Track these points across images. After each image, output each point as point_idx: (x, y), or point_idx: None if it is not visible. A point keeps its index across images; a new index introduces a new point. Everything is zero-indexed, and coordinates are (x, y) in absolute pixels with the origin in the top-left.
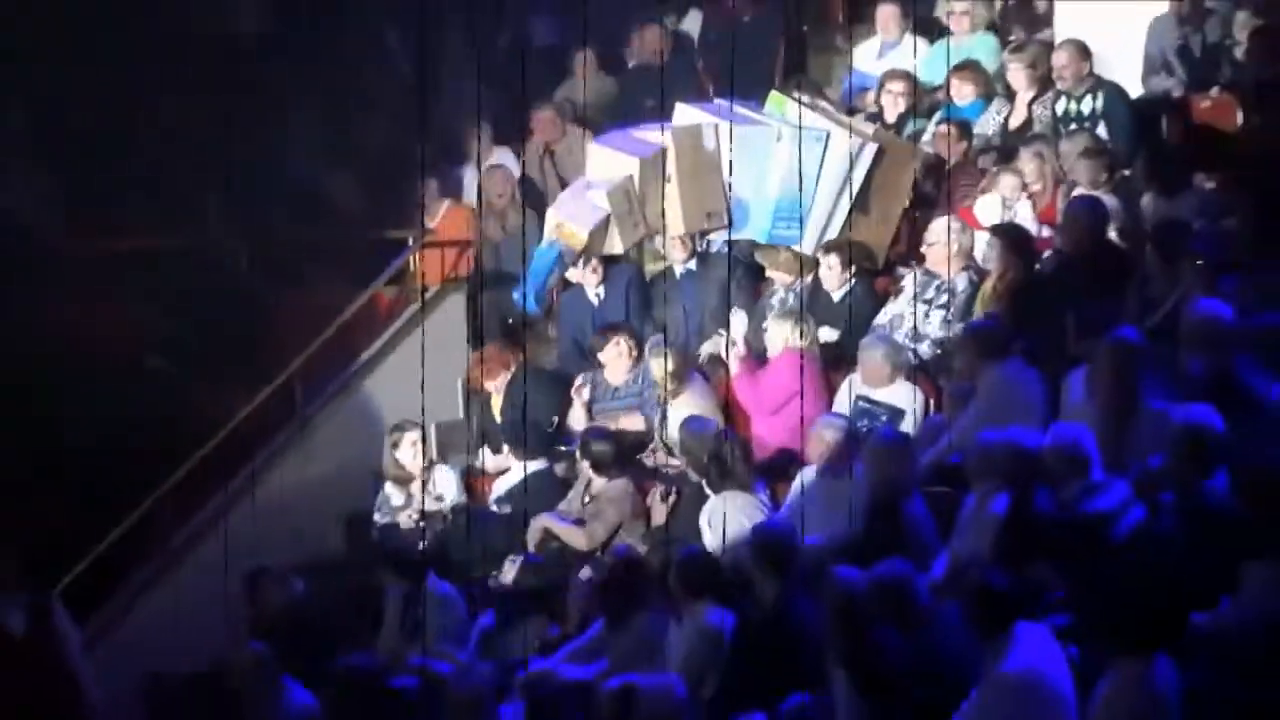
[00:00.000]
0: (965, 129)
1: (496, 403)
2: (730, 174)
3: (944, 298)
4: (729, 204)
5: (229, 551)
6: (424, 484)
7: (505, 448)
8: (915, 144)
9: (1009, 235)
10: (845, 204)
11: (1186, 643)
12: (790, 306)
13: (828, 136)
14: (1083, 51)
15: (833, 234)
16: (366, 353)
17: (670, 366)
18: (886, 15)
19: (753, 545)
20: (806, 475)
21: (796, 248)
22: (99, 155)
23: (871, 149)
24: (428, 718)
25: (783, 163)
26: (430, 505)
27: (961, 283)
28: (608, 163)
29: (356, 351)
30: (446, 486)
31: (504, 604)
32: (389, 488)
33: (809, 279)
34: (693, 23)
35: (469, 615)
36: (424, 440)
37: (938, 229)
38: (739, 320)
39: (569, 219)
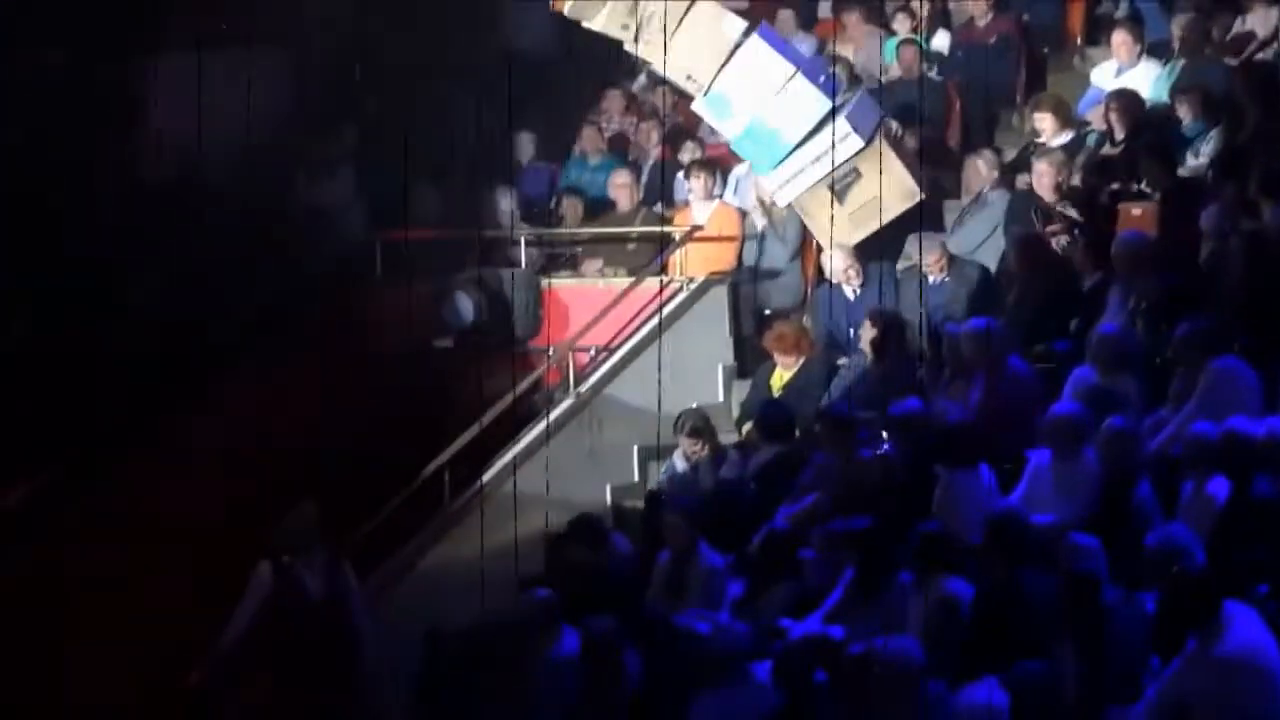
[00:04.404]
0: None
1: (781, 379)
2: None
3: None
4: (712, 82)
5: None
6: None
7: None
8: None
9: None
10: (817, 172)
11: None
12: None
13: (832, 112)
14: None
15: (795, 191)
16: (638, 336)
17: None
18: (1119, 41)
19: (986, 524)
20: (1040, 459)
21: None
22: (394, 159)
23: (855, 141)
24: (689, 673)
25: (780, 97)
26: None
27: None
28: None
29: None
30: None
31: (754, 572)
32: (677, 460)
33: None
34: (941, 41)
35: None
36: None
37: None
38: None
39: None
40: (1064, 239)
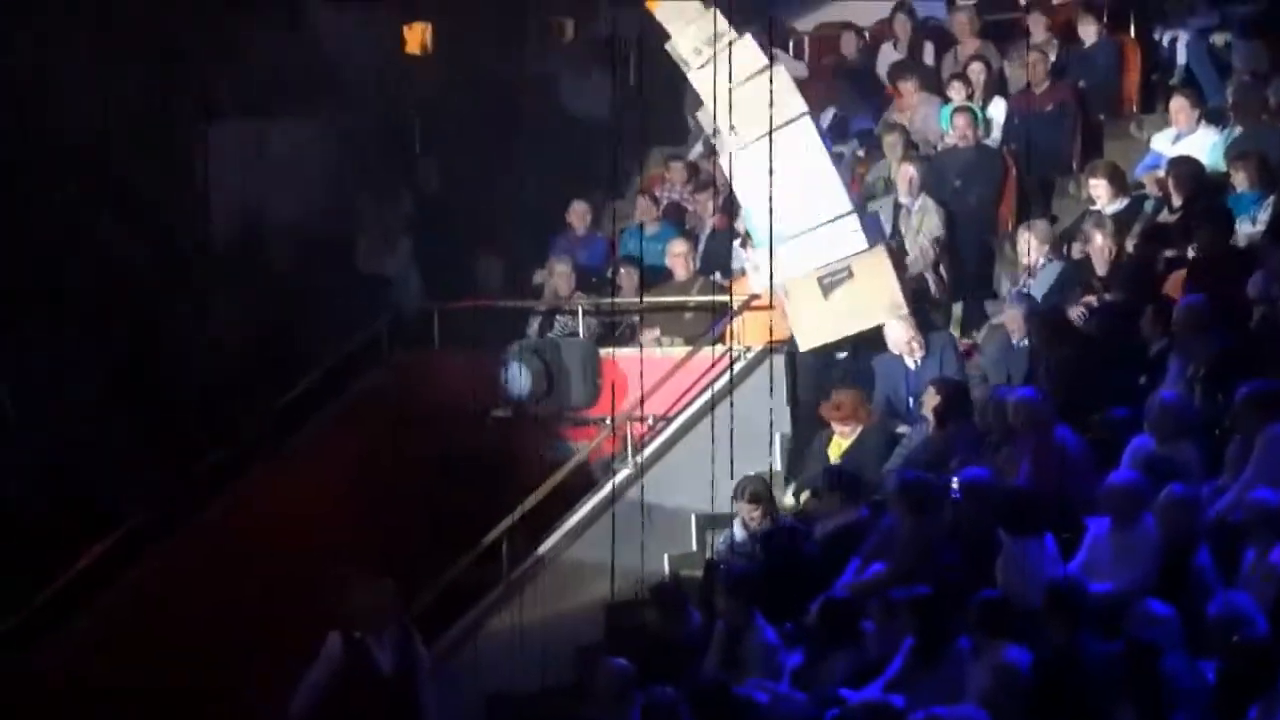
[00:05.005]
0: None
1: (839, 447)
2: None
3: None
4: (752, 143)
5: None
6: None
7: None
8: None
9: None
10: (814, 260)
11: None
12: None
13: (851, 213)
14: None
15: (788, 273)
16: (695, 405)
17: None
18: (1178, 107)
19: (1046, 592)
20: (1099, 527)
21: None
22: (451, 227)
23: (859, 240)
24: None
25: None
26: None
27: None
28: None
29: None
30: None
31: (813, 641)
32: (737, 528)
33: None
34: (997, 108)
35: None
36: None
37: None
38: None
39: None
40: (1080, 311)
